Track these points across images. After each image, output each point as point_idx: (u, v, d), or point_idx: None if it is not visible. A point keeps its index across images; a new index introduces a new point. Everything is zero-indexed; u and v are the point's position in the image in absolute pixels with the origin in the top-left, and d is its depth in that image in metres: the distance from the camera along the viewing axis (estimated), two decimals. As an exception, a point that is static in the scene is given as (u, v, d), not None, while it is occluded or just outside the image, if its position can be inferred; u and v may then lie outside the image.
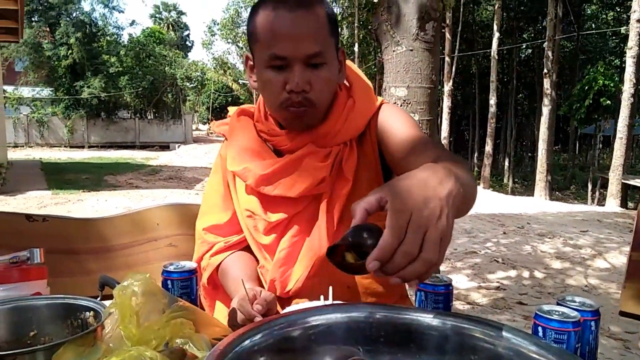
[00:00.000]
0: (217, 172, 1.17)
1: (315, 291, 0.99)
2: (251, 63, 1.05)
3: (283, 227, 1.06)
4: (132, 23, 28.10)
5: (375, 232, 0.60)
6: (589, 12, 22.41)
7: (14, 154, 18.39)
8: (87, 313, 0.84)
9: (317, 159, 1.02)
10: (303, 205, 1.04)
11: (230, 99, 39.63)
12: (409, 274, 0.57)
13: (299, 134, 1.04)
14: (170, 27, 46.44)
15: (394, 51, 1.78)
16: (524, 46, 23.38)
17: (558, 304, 0.80)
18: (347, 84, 1.11)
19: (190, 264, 0.89)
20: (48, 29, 24.39)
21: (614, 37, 21.91)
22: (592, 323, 0.79)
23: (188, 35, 52.49)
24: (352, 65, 1.14)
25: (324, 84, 0.98)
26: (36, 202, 8.61)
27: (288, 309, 0.90)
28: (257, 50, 0.98)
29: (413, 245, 0.56)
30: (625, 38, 15.66)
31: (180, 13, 50.73)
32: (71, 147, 24.77)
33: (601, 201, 14.76)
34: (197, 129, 41.31)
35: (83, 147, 25.16)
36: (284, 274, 1.05)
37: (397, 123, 1.04)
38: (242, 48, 33.99)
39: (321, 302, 0.95)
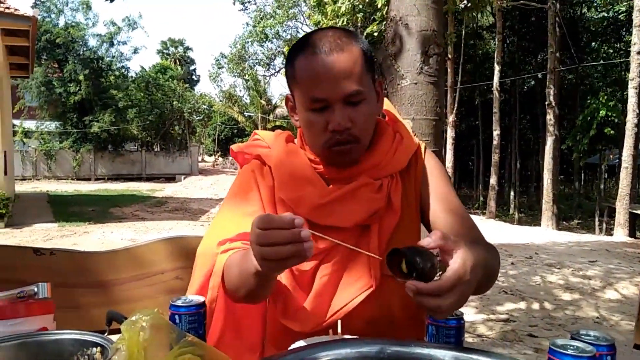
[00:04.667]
0: (238, 195, 1.10)
1: (351, 327, 0.97)
2: (291, 104, 1.07)
3: (325, 254, 1.03)
4: (136, 51, 28.31)
5: (432, 260, 0.74)
6: (590, 46, 22.73)
7: (21, 187, 18.54)
8: (94, 349, 0.83)
9: (371, 190, 1.03)
10: (349, 233, 1.02)
11: (235, 130, 40.06)
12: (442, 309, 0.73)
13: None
14: (178, 62, 47.42)
15: (398, 84, 1.81)
16: (525, 77, 23.64)
17: (572, 338, 0.78)
18: (392, 119, 1.15)
19: (198, 298, 0.88)
20: (57, 66, 24.92)
21: (615, 68, 22.15)
22: (608, 358, 0.77)
23: (194, 70, 53.55)
24: (389, 104, 1.19)
25: (365, 119, 1.00)
26: (42, 234, 8.63)
27: (297, 344, 0.88)
28: (297, 94, 1.02)
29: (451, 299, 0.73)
30: (626, 69, 15.82)
31: (187, 49, 51.92)
32: (78, 179, 24.94)
33: (608, 231, 14.62)
34: (202, 161, 41.61)
35: (90, 179, 25.33)
36: (323, 304, 1.01)
37: (441, 182, 1.11)
38: (248, 81, 34.60)
39: (330, 336, 0.93)
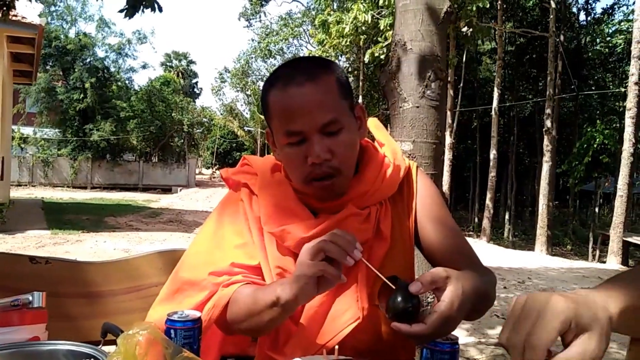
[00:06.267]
0: (227, 224, 1.09)
1: (341, 354, 0.94)
2: (272, 138, 1.04)
3: None
4: (144, 66, 28.90)
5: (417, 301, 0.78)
6: (592, 75, 23.02)
7: (16, 193, 18.44)
8: (88, 361, 0.83)
9: (358, 220, 1.00)
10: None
11: (234, 144, 40.14)
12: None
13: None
14: (180, 75, 47.70)
15: (400, 107, 1.82)
16: (525, 104, 23.86)
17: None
18: (381, 142, 1.12)
19: (194, 313, 0.88)
20: (62, 73, 25.02)
21: (612, 98, 22.42)
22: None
23: (196, 83, 53.87)
24: (380, 125, 1.16)
25: (345, 148, 0.97)
26: (35, 241, 8.55)
27: (291, 364, 0.88)
28: (274, 128, 1.00)
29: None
30: (623, 98, 16.00)
31: (190, 62, 52.29)
32: (74, 187, 24.87)
33: (601, 258, 14.63)
34: (200, 173, 41.59)
35: (86, 187, 25.26)
36: (310, 336, 0.98)
37: (434, 204, 1.09)
38: (249, 96, 34.86)
39: (324, 357, 0.93)
